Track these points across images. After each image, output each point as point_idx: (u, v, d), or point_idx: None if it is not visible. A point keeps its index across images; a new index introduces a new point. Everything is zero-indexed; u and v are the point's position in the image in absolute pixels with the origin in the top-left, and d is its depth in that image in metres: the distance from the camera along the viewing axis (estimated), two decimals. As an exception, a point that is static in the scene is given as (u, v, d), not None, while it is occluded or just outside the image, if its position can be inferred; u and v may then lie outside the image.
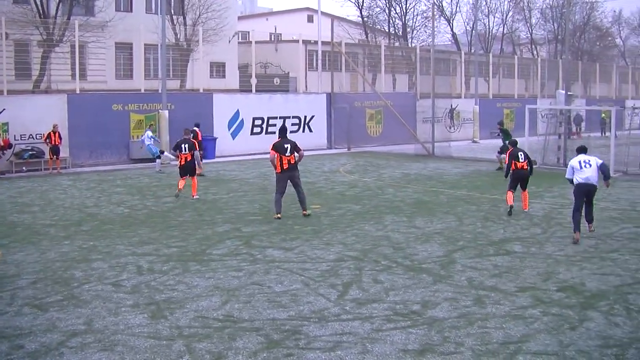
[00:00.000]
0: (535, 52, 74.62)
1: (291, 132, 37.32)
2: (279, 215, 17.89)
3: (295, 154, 18.09)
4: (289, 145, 18.02)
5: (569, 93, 33.93)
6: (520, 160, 19.10)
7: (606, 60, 79.90)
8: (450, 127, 47.15)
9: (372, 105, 42.82)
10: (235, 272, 12.58)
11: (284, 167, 17.96)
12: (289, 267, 12.90)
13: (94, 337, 9.30)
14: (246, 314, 10.19)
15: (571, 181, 15.88)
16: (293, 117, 38.52)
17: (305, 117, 39.08)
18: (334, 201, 20.35)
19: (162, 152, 29.04)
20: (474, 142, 46.33)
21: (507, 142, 25.89)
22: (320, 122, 39.80)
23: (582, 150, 16.44)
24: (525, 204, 19.20)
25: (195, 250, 14.35)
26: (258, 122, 37.01)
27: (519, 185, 19.01)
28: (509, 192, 18.98)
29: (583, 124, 51.83)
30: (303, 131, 38.84)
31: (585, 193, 15.59)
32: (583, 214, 15.63)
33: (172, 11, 43.42)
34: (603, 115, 49.93)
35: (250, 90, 38.17)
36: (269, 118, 37.38)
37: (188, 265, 13.11)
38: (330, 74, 41.46)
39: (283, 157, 17.89)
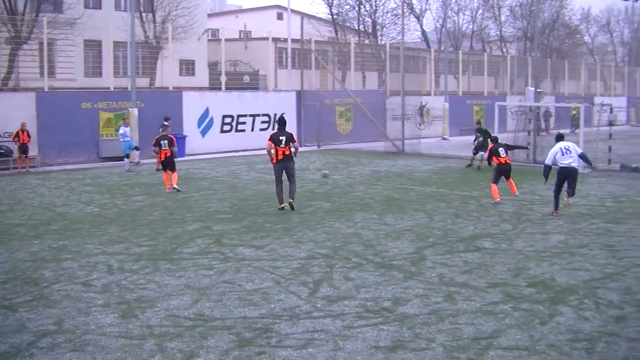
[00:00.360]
0: (504, 50, 75.05)
1: (261, 129, 37.48)
2: (282, 206, 18.62)
3: (291, 145, 18.64)
4: (284, 137, 18.56)
5: (538, 90, 34.25)
6: (502, 155, 20.48)
7: (575, 57, 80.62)
8: (420, 125, 47.33)
9: (341, 103, 42.88)
10: (206, 270, 12.57)
11: (279, 158, 18.54)
12: (259, 265, 12.90)
13: (65, 337, 9.25)
14: (217, 313, 10.18)
15: (548, 167, 17.88)
16: (263, 114, 38.49)
17: (275, 114, 38.97)
18: (304, 199, 20.36)
19: (137, 148, 28.83)
20: (444, 139, 46.56)
21: (482, 139, 26.15)
22: (290, 119, 39.45)
23: (561, 137, 18.55)
24: (513, 189, 20.76)
25: (166, 249, 14.30)
26: (228, 120, 36.94)
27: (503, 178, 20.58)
28: (493, 185, 20.22)
29: (552, 120, 52.23)
30: (273, 129, 38.73)
31: (566, 175, 17.72)
32: (565, 189, 17.72)
33: (142, 8, 43.20)
34: (574, 112, 50.36)
35: (220, 88, 38.05)
36: (238, 116, 37.33)
37: (158, 264, 13.06)
38: (300, 72, 41.47)
39: (278, 148, 18.48)
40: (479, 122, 30.14)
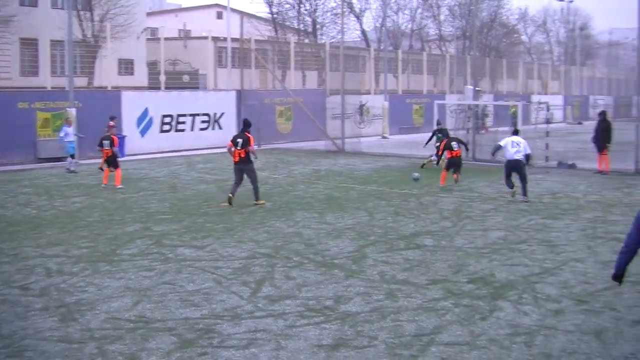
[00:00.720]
0: (443, 49, 75.72)
1: (201, 129, 37.31)
2: (229, 196, 19.35)
3: (249, 148, 19.19)
4: (240, 140, 19.26)
5: (476, 88, 34.66)
6: (455, 148, 23.18)
7: (513, 56, 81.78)
8: (360, 123, 47.48)
9: (282, 102, 42.85)
10: (147, 271, 12.45)
11: (235, 160, 19.35)
12: (200, 266, 12.83)
13: (2, 343, 9.07)
14: (158, 314, 10.10)
15: (498, 146, 20.52)
16: (203, 114, 38.26)
17: (215, 114, 38.84)
18: (245, 198, 20.29)
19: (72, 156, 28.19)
20: (384, 137, 46.77)
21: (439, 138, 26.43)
22: (230, 119, 39.57)
23: (516, 132, 21.17)
24: (457, 180, 23.21)
25: (105, 251, 14.13)
26: (167, 119, 36.62)
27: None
28: (444, 171, 22.93)
29: (490, 118, 52.78)
30: (213, 128, 38.63)
31: (512, 167, 19.94)
32: (520, 186, 19.99)
33: (79, 7, 42.62)
34: (512, 110, 51.02)
35: (159, 88, 37.75)
36: (178, 115, 37.03)
37: (98, 266, 12.90)
38: (240, 71, 41.33)
39: (236, 149, 19.20)
40: (439, 123, 30.01)
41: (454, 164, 23.15)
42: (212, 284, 11.63)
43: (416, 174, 22.80)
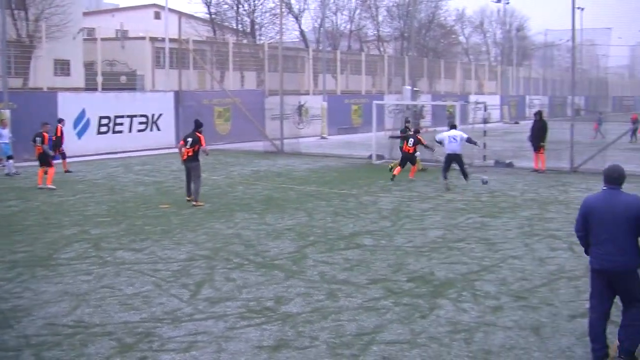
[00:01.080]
0: (382, 49, 76.14)
1: (139, 130, 36.92)
2: (187, 198, 19.95)
3: (200, 147, 19.80)
4: (190, 139, 19.80)
5: (415, 89, 34.89)
6: (409, 144, 24.57)
7: (450, 57, 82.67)
8: (298, 124, 47.52)
9: (220, 103, 42.60)
10: (85, 275, 12.28)
11: (183, 158, 19.94)
12: (139, 269, 12.70)
13: None
14: (97, 319, 9.96)
15: (440, 141, 22.81)
16: (140, 115, 37.86)
17: (153, 115, 38.46)
18: (184, 200, 20.16)
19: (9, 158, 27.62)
20: (323, 138, 46.88)
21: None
22: (168, 120, 39.25)
23: (453, 127, 23.43)
24: (411, 174, 24.84)
25: (42, 255, 13.89)
26: (105, 121, 36.13)
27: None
28: (399, 167, 24.53)
29: (424, 120, 53.20)
30: (151, 130, 38.27)
31: (451, 160, 22.42)
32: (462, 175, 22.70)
33: (13, 5, 41.81)
34: (450, 110, 51.54)
35: (97, 89, 37.25)
36: (116, 117, 36.57)
37: (35, 270, 12.67)
38: (178, 72, 41.01)
39: (185, 148, 19.78)
40: (408, 121, 29.73)
41: (405, 158, 24.68)
42: (152, 287, 11.52)
43: (485, 177, 23.12)
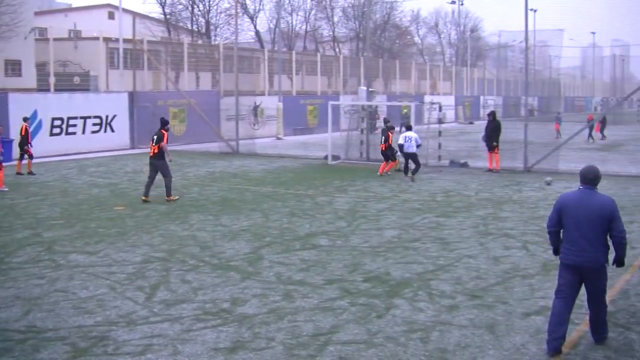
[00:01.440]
0: (337, 50, 76.33)
1: (92, 132, 36.55)
2: (143, 198, 20.20)
3: (162, 145, 20.10)
4: (155, 137, 20.34)
5: (370, 89, 34.97)
6: (381, 142, 26.49)
7: (405, 57, 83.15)
8: (254, 125, 47.42)
9: (175, 104, 42.33)
10: (37, 279, 12.10)
11: (150, 155, 20.50)
12: (94, 272, 12.55)
13: None
14: (50, 323, 9.82)
15: (401, 146, 24.98)
16: (94, 116, 37.43)
17: (107, 116, 38.06)
18: (139, 202, 20.01)
19: None
20: (278, 138, 46.86)
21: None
22: (123, 121, 38.89)
23: (409, 127, 25.75)
24: (380, 170, 26.34)
25: (-7, 258, 13.69)
26: (57, 122, 35.66)
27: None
28: (384, 164, 26.46)
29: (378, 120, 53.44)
30: (105, 131, 37.87)
31: (407, 157, 24.96)
32: (411, 168, 25.05)
33: (-38, 5, 41.22)
34: (405, 110, 51.88)
35: (49, 90, 36.82)
36: (69, 118, 36.12)
37: (-14, 274, 12.49)
38: (132, 73, 40.70)
39: (151, 145, 20.34)
40: (387, 120, 29.40)
41: (385, 156, 26.57)
42: (106, 290, 11.39)
43: (548, 179, 23.17)
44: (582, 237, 8.57)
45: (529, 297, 10.97)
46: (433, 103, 34.99)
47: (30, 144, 27.01)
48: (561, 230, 8.88)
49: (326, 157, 31.40)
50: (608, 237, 8.63)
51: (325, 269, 12.68)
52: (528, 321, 9.87)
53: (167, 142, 20.36)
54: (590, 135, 44.85)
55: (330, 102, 33.46)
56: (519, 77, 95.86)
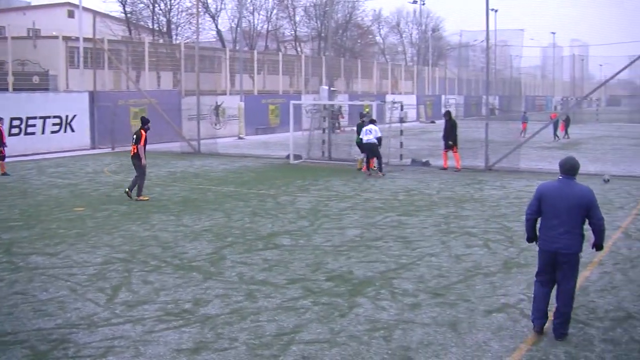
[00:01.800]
0: (299, 49, 76.28)
1: (52, 132, 36.14)
2: (126, 190, 20.68)
3: (139, 148, 20.24)
4: (135, 136, 20.56)
5: (332, 89, 35.02)
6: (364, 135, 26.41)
7: (367, 57, 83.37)
8: (215, 124, 47.27)
9: (136, 104, 42.01)
10: (-4, 281, 11.96)
11: (131, 154, 20.68)
12: (54, 274, 12.41)
13: None
14: (9, 327, 9.69)
15: (361, 140, 25.70)
16: (54, 116, 37.06)
17: (67, 116, 37.70)
18: (99, 202, 19.85)
19: None
20: (240, 138, 46.77)
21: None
22: (83, 121, 38.52)
23: (373, 121, 26.44)
24: (364, 168, 26.74)
25: (-49, 261, 13.48)
26: (16, 122, 35.22)
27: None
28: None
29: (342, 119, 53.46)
30: (65, 131, 37.49)
31: (368, 149, 25.77)
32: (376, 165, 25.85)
33: None
34: (366, 109, 51.96)
35: (7, 89, 36.36)
36: (28, 118, 35.73)
37: (-57, 276, 12.30)
38: (93, 72, 40.34)
39: (132, 144, 20.50)
40: (363, 115, 29.17)
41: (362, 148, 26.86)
42: (67, 292, 11.27)
43: (607, 176, 23.28)
44: (560, 224, 9.06)
45: (491, 295, 11.05)
46: (395, 102, 35.08)
47: (5, 144, 26.59)
48: (538, 219, 9.37)
49: (288, 157, 31.39)
50: (583, 227, 9.12)
51: (288, 269, 12.66)
52: (490, 318, 9.94)
53: (145, 142, 20.31)
54: (555, 133, 45.31)
55: (292, 102, 33.46)
56: (480, 77, 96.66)
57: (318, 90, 39.24)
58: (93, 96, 39.27)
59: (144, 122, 20.77)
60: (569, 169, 9.22)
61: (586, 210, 8.99)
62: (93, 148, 38.29)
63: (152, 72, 49.13)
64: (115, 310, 10.35)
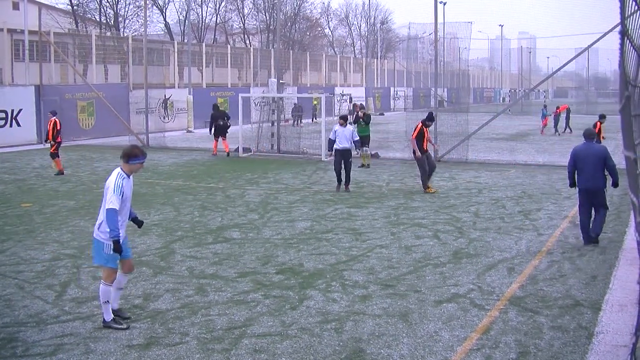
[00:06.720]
0: (248, 42, 76.07)
1: (-2, 127, 35.56)
2: None
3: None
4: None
5: (280, 81, 34.97)
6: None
7: (316, 49, 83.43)
8: (164, 118, 46.97)
9: (83, 97, 41.51)
10: (-59, 279, 11.77)
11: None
12: (1, 271, 12.23)
13: None
14: (-45, 324, 9.56)
15: (332, 141, 20.97)
16: (-1, 111, 36.56)
17: (13, 111, 37.10)
18: (47, 198, 19.61)
19: None
20: (189, 131, 46.58)
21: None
22: (29, 116, 37.93)
23: (344, 118, 23.13)
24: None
25: None
26: (-40, 117, 34.73)
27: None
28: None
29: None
30: (10, 126, 36.90)
31: (340, 155, 20.71)
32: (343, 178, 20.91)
33: None
34: (315, 102, 52.12)
35: (-50, 84, 35.73)
36: (-28, 113, 35.20)
37: None
38: (39, 65, 39.80)
39: None
40: (361, 106, 28.62)
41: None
42: (14, 290, 11.12)
43: None
44: (588, 171, 13.71)
45: (441, 285, 11.16)
46: (343, 94, 35.22)
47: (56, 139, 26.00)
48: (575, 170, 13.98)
49: (237, 150, 31.31)
50: (604, 172, 13.71)
51: (238, 262, 12.65)
52: (440, 308, 10.04)
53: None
54: (556, 127, 45.98)
55: (241, 95, 33.41)
56: (429, 69, 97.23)
57: (267, 83, 39.17)
58: (39, 90, 38.69)
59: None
60: (588, 135, 14.15)
61: (604, 160, 13.59)
62: (40, 143, 37.72)
63: (100, 65, 48.67)
64: (64, 307, 10.25)
